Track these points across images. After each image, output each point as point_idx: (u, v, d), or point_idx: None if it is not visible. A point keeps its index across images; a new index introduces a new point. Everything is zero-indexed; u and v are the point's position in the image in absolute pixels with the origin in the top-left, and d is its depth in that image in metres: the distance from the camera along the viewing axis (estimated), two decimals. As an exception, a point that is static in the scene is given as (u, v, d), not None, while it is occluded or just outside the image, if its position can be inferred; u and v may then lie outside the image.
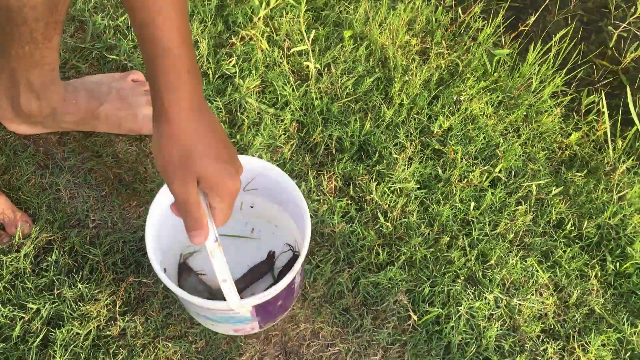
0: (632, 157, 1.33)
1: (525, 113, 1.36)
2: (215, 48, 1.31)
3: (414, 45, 1.41)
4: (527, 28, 1.52)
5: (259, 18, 1.33)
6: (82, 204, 1.14)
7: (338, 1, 1.45)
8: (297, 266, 0.83)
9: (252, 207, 1.03)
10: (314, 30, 1.33)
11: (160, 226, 0.89)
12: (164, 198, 0.88)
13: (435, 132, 1.28)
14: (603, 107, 1.37)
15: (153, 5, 0.61)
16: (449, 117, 1.29)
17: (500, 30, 1.50)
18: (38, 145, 1.20)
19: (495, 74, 1.41)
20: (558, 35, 1.47)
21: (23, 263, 1.05)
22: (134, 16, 0.63)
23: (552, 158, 1.33)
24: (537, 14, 1.57)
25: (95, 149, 1.18)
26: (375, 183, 1.17)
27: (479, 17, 1.50)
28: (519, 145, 1.31)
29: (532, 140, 1.34)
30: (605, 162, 1.33)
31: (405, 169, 1.20)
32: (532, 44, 1.45)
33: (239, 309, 0.78)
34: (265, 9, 1.34)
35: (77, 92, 1.11)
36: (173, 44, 0.64)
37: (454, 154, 1.24)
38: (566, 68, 1.47)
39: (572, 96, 1.44)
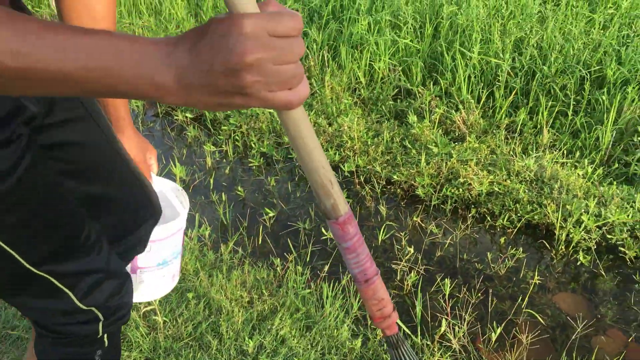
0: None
1: (323, 331, 1.88)
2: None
3: (244, 297, 1.99)
4: (325, 274, 2.14)
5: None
6: None
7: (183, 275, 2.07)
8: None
9: None
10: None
11: None
12: None
13: (250, 351, 1.77)
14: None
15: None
16: (264, 340, 1.80)
17: (306, 276, 2.11)
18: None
19: (303, 308, 1.97)
20: (344, 280, 2.07)
21: None
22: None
23: (344, 359, 1.81)
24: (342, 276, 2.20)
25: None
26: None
27: (294, 273, 2.12)
28: (316, 352, 1.79)
29: (328, 349, 1.83)
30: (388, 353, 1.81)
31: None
32: (329, 285, 2.04)
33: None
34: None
35: None
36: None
37: (263, 365, 1.72)
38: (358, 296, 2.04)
39: (361, 314, 1.98)
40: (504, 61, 3.06)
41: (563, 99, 2.92)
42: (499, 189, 2.49)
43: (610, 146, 2.68)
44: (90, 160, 1.08)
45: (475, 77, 3.12)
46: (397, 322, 0.97)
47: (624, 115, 2.74)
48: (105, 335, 1.10)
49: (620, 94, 2.82)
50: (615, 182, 2.51)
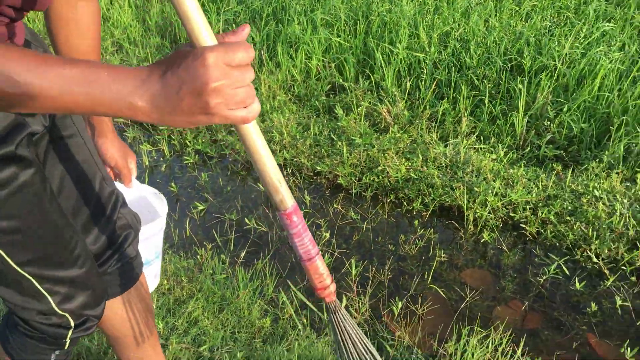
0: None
1: (235, 312, 2.00)
2: None
3: (165, 284, 2.11)
4: (242, 260, 2.26)
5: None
6: None
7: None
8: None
9: None
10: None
11: None
12: None
13: (161, 332, 1.89)
14: (283, 298, 2.03)
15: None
16: (177, 323, 1.92)
17: (226, 264, 2.23)
18: None
19: (219, 292, 2.09)
20: (260, 264, 2.20)
21: None
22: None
23: (253, 337, 1.93)
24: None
25: None
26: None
27: (214, 260, 2.24)
28: (226, 331, 1.92)
29: (238, 327, 1.95)
30: (295, 329, 1.93)
31: None
32: (245, 270, 2.17)
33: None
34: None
35: None
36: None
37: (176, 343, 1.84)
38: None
39: (271, 296, 2.11)
40: (427, 55, 3.20)
41: (482, 88, 3.07)
42: (416, 175, 2.62)
43: (524, 131, 2.83)
44: (76, 175, 1.19)
45: (403, 70, 3.26)
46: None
47: (538, 101, 2.89)
48: (68, 342, 1.20)
49: (535, 81, 2.98)
50: (523, 164, 2.66)
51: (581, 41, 3.16)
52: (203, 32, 0.74)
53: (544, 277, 2.21)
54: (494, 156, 2.68)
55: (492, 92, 3.07)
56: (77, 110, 0.72)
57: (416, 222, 2.50)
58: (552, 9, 3.63)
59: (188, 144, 3.06)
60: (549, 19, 3.48)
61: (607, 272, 2.21)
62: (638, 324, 2.03)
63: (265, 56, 3.56)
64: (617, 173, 2.51)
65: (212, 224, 2.54)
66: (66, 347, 1.21)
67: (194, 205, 2.63)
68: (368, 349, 1.23)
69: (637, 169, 2.55)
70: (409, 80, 3.20)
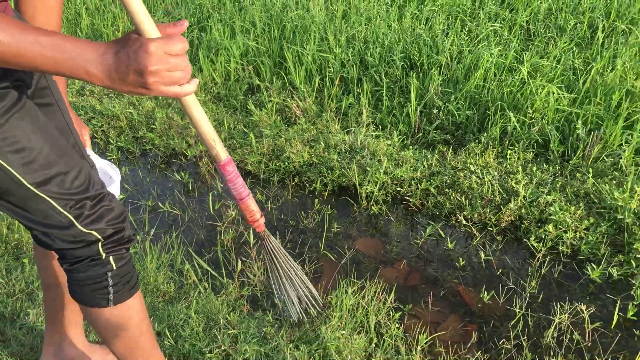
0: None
1: (142, 280, 2.22)
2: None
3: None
4: (152, 237, 2.48)
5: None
6: None
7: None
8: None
9: None
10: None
11: None
12: None
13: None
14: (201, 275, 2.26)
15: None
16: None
17: (139, 243, 2.44)
18: None
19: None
20: (168, 240, 2.42)
21: None
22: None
23: (156, 299, 2.15)
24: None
25: None
26: None
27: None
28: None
29: (145, 293, 2.17)
30: (196, 291, 2.16)
31: None
32: (152, 244, 2.38)
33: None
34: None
35: None
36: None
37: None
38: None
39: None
40: (334, 55, 3.50)
41: (382, 84, 3.38)
42: (317, 159, 2.90)
43: (417, 119, 3.14)
44: (53, 140, 1.32)
45: (314, 70, 3.55)
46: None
47: (429, 93, 3.21)
48: (111, 258, 1.26)
49: (429, 76, 3.31)
50: (414, 148, 2.97)
51: (466, 39, 3.51)
52: (147, 26, 0.98)
53: (422, 240, 2.50)
54: (389, 142, 2.98)
55: (392, 86, 3.38)
56: (46, 70, 0.95)
57: (316, 200, 2.77)
58: (450, 13, 4.00)
59: (111, 141, 3.26)
60: (445, 22, 3.84)
61: (476, 233, 2.52)
62: (497, 273, 2.33)
63: (187, 61, 3.80)
64: (492, 151, 2.84)
65: (129, 209, 2.75)
66: (115, 268, 1.27)
67: (113, 194, 2.83)
68: (292, 265, 1.54)
69: (509, 147, 2.88)
70: (319, 78, 3.49)
